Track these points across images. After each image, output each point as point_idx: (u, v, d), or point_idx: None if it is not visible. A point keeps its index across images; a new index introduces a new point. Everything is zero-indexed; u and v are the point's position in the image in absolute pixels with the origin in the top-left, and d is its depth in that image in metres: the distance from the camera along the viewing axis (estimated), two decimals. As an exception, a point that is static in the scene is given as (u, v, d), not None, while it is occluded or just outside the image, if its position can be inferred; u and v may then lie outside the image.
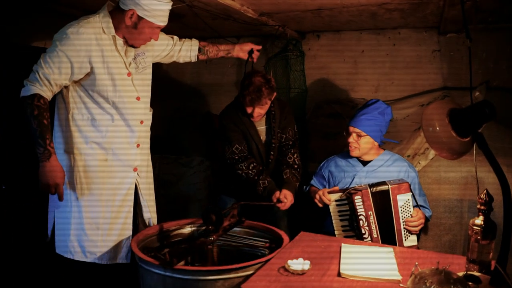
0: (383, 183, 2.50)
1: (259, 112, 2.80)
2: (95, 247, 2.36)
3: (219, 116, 3.08)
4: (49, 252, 2.41)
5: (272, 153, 2.96)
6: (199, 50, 2.82)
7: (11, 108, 2.81)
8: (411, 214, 2.47)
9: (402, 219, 2.46)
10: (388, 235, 2.48)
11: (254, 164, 2.88)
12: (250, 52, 3.00)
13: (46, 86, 2.11)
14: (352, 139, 2.68)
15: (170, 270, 1.93)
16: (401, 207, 2.45)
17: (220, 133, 3.01)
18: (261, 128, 2.97)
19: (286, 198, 2.75)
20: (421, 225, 2.49)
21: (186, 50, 2.78)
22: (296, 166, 2.93)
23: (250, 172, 2.86)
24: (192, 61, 2.86)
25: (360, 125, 2.65)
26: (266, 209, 3.02)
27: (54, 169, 2.11)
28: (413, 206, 2.49)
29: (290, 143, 3.00)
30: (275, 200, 2.75)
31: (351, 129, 2.68)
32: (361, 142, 2.67)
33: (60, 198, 2.17)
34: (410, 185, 2.48)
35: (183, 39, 2.78)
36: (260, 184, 2.83)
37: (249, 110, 2.79)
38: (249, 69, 2.99)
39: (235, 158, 2.90)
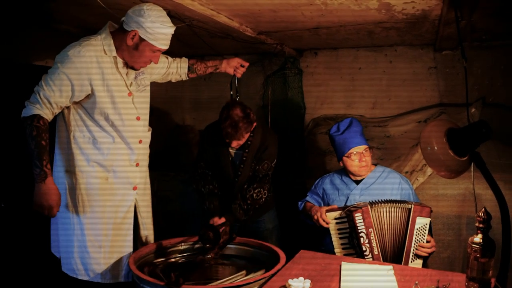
0: (405, 201, 2.49)
1: (237, 143, 2.74)
2: (98, 266, 2.36)
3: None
4: (52, 268, 2.41)
5: (236, 179, 2.87)
6: (188, 68, 2.82)
7: (11, 125, 2.82)
8: (426, 240, 2.44)
9: (415, 241, 2.42)
10: (395, 253, 2.47)
11: (210, 187, 2.85)
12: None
13: (47, 107, 2.12)
14: (363, 158, 2.69)
15: None
16: (417, 229, 2.42)
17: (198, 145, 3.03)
18: (233, 151, 2.90)
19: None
20: (431, 251, 2.46)
21: (177, 69, 2.79)
22: (249, 202, 2.78)
23: (203, 189, 2.84)
24: (183, 79, 2.87)
25: (361, 141, 2.69)
26: (253, 228, 3.03)
27: (49, 191, 2.10)
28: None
29: (260, 176, 2.84)
30: (210, 223, 2.64)
31: (357, 148, 2.68)
32: (368, 158, 2.71)
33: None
34: (431, 211, 2.46)
35: (174, 59, 2.79)
36: (206, 203, 2.79)
37: (226, 140, 2.71)
38: (234, 85, 2.95)
39: (198, 172, 2.90)
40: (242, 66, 2.92)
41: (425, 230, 2.43)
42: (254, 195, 2.81)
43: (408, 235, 2.43)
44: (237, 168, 2.88)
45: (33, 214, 2.17)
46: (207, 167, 2.91)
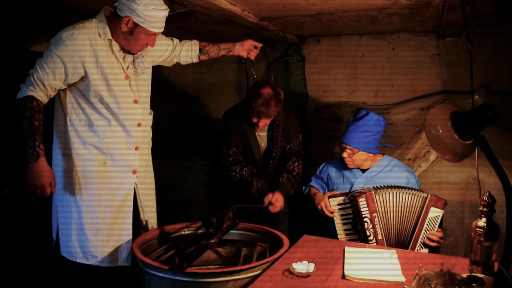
0: (419, 190, 2.49)
1: (264, 122, 2.81)
2: (96, 250, 2.37)
3: (222, 116, 3.07)
4: (54, 254, 2.43)
5: (271, 161, 2.96)
6: (200, 50, 2.80)
7: (12, 112, 2.82)
8: (436, 231, 2.44)
9: (425, 230, 2.42)
10: (400, 238, 2.48)
11: (247, 167, 2.93)
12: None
13: (41, 89, 2.14)
14: (346, 154, 2.67)
15: (180, 274, 1.94)
16: (429, 219, 2.42)
17: (220, 134, 3.03)
18: (263, 134, 2.98)
19: (277, 201, 2.78)
20: (436, 244, 2.47)
21: (187, 51, 2.76)
22: (294, 174, 2.93)
23: (244, 173, 2.90)
24: (194, 61, 2.83)
25: (352, 142, 2.63)
26: (266, 211, 3.05)
27: (41, 170, 2.10)
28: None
29: (293, 152, 3.00)
30: (266, 203, 2.77)
31: (344, 145, 2.67)
32: (355, 158, 2.66)
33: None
34: (446, 203, 2.45)
35: (183, 41, 2.77)
36: (253, 185, 2.87)
37: (254, 120, 2.78)
38: (249, 68, 2.98)
39: (229, 160, 2.93)
40: (255, 48, 2.91)
41: (437, 221, 2.43)
42: (296, 168, 2.93)
43: (419, 223, 2.42)
44: (271, 150, 2.95)
45: (37, 200, 2.18)
46: (238, 153, 2.94)
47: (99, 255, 2.38)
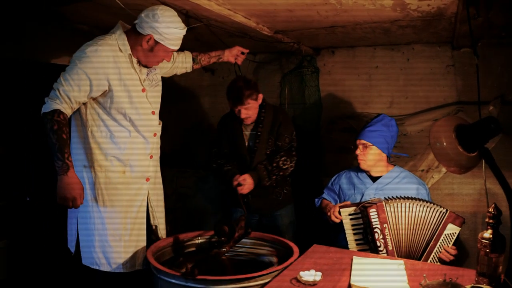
0: (436, 203, 2.50)
1: (246, 113, 2.95)
2: (119, 257, 2.45)
3: None
4: (73, 262, 2.50)
5: (253, 155, 3.02)
6: (193, 60, 2.95)
7: (33, 122, 2.92)
8: (451, 248, 2.44)
9: (440, 245, 2.43)
10: (411, 250, 2.48)
11: (225, 157, 3.09)
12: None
13: (66, 103, 2.21)
14: (359, 151, 2.76)
15: (192, 281, 2.00)
16: (445, 234, 2.42)
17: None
18: (247, 133, 3.09)
19: (245, 180, 2.86)
20: (450, 259, 2.46)
21: (182, 62, 2.90)
22: (274, 165, 2.96)
23: (219, 161, 3.07)
24: (188, 71, 2.99)
25: (364, 136, 2.75)
26: (269, 222, 3.10)
27: (72, 182, 2.18)
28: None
29: (284, 149, 3.06)
30: (235, 183, 2.86)
31: (358, 141, 2.78)
32: (368, 154, 2.73)
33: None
34: (464, 222, 2.45)
35: (178, 52, 2.89)
36: (224, 168, 3.01)
37: (236, 112, 2.96)
38: (238, 71, 3.24)
39: (211, 156, 3.15)
40: (242, 53, 3.11)
41: (453, 238, 2.43)
42: (281, 163, 2.98)
43: (435, 237, 2.42)
44: (254, 145, 3.03)
45: (57, 207, 2.26)
46: (220, 154, 3.12)
47: (122, 261, 2.46)
